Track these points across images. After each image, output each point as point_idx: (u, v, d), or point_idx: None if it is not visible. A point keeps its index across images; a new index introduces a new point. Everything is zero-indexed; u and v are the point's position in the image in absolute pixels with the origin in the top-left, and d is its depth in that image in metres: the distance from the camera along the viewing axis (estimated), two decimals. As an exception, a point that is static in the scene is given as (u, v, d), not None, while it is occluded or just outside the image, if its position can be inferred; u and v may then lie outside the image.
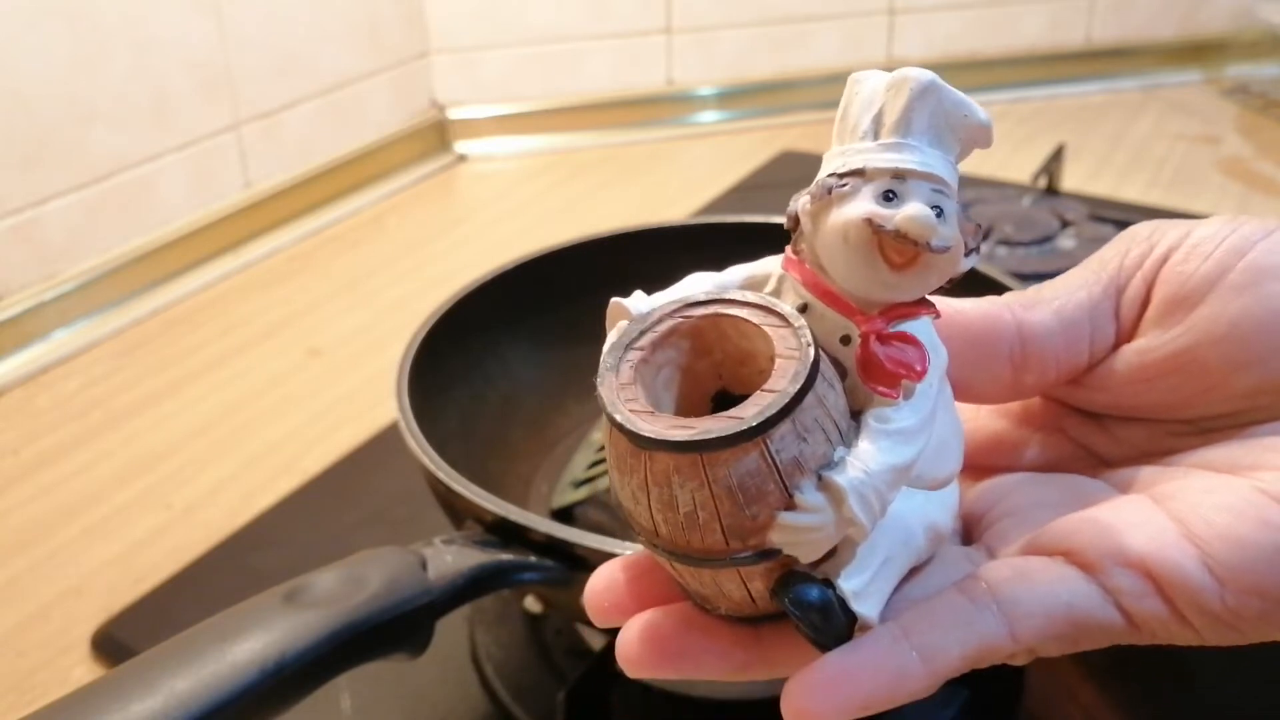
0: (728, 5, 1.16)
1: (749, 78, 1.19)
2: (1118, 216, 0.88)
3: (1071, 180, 0.99)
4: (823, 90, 1.19)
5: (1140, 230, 0.28)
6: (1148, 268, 0.27)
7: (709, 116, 1.19)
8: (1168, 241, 0.27)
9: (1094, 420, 0.29)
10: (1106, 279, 0.27)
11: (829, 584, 0.23)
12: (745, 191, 1.03)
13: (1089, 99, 1.22)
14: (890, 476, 0.23)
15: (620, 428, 0.22)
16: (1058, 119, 1.15)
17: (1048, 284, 0.28)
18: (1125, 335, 0.27)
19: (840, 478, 0.22)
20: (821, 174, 0.24)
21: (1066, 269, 0.28)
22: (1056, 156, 0.96)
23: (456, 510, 0.45)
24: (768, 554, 0.22)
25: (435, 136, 1.12)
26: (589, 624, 0.51)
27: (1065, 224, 0.87)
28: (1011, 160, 0.99)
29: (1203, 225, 0.27)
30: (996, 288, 0.52)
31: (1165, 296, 0.26)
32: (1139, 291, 0.27)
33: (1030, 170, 0.95)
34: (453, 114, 1.13)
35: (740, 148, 1.13)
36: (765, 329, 0.23)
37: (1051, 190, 0.94)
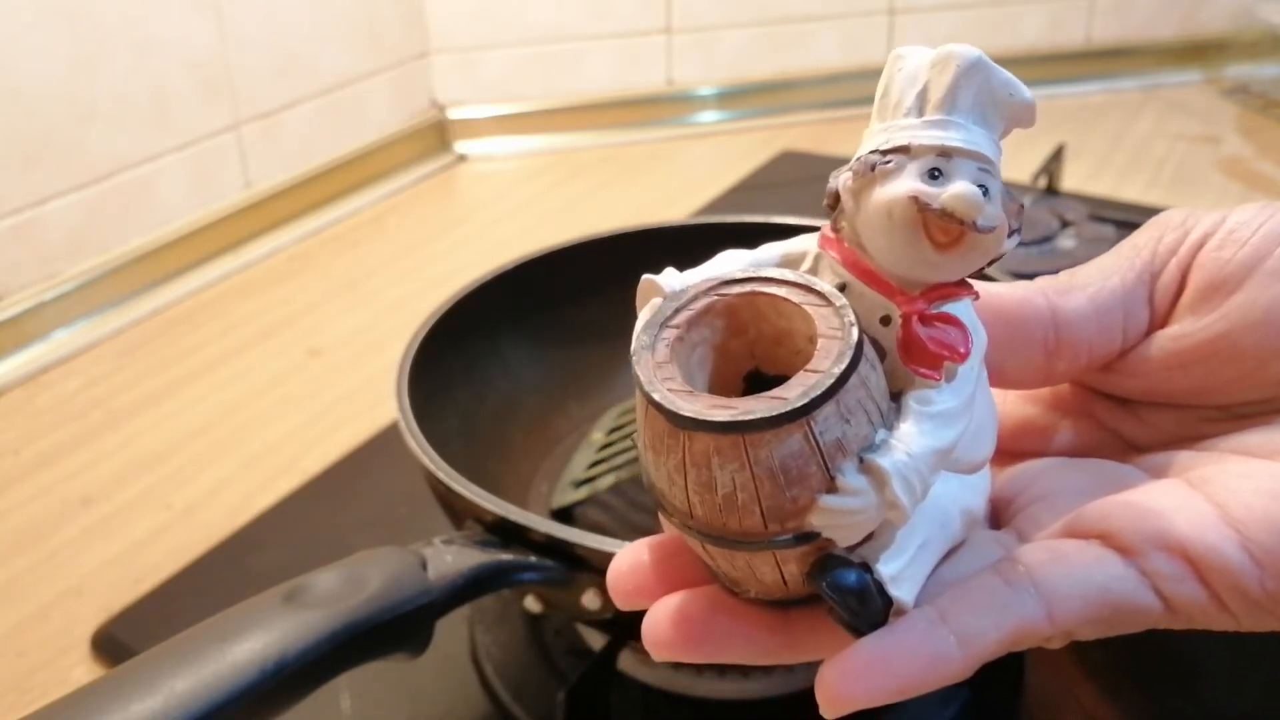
0: (728, 5, 1.16)
1: (749, 78, 1.19)
2: (1118, 216, 0.88)
3: (1071, 180, 0.99)
4: (823, 90, 1.19)
5: (1173, 216, 0.28)
6: (1183, 254, 0.27)
7: (709, 116, 1.19)
8: (1202, 228, 0.27)
9: (1124, 405, 0.29)
10: (1140, 265, 0.27)
11: (866, 568, 0.23)
12: (745, 191, 1.03)
13: (1089, 99, 1.22)
14: (932, 459, 0.22)
15: (659, 407, 0.22)
16: (1058, 119, 1.15)
17: (1081, 269, 0.28)
18: (1159, 321, 0.27)
19: (883, 460, 0.22)
20: (863, 150, 0.24)
21: (1067, 269, 0.28)
22: (1056, 156, 0.96)
23: (456, 510, 0.45)
24: (806, 537, 0.22)
25: (435, 136, 1.12)
26: (589, 624, 0.51)
27: (1065, 224, 0.87)
28: (1011, 160, 0.98)
29: (1238, 211, 0.26)
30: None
31: (1201, 282, 0.26)
32: (1174, 277, 0.27)
33: (1030, 170, 0.95)
34: (453, 114, 1.13)
35: (740, 148, 1.13)
36: (805, 308, 0.23)
37: (1051, 190, 0.94)
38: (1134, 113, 1.18)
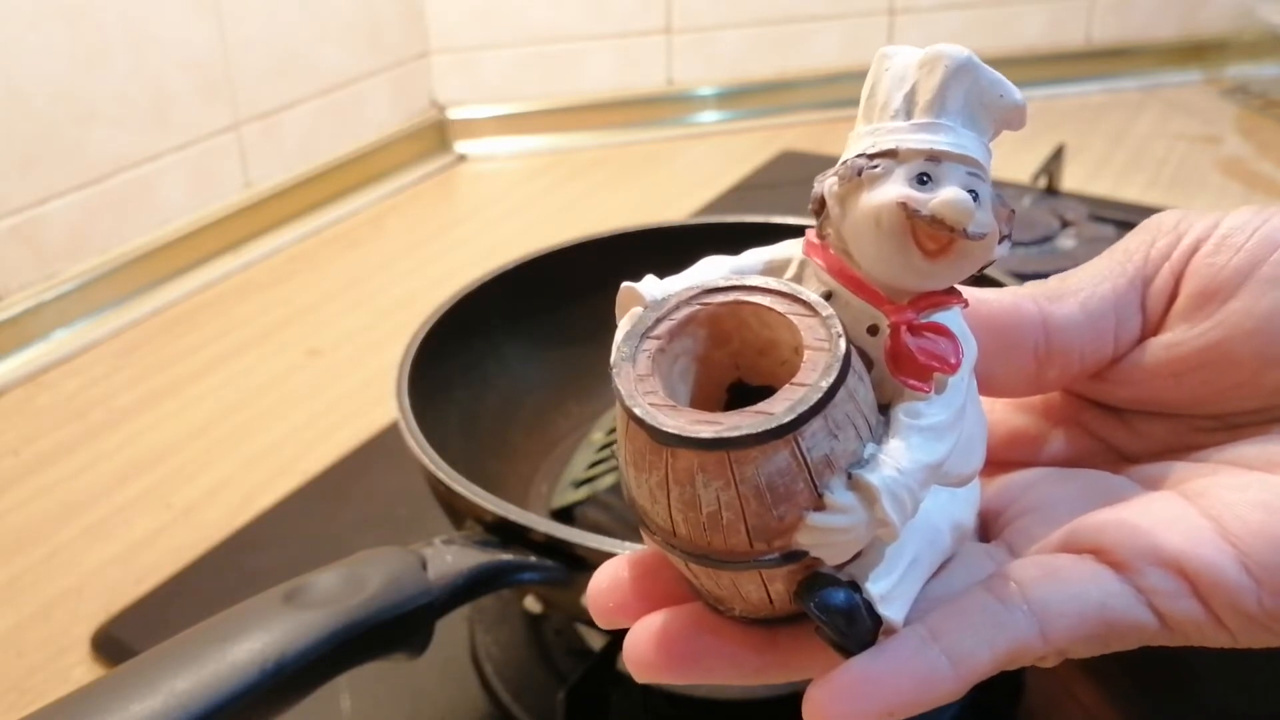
0: (728, 5, 1.16)
1: (749, 78, 1.19)
2: (1118, 216, 0.88)
3: (1071, 180, 0.99)
4: (823, 90, 1.19)
5: (1165, 220, 0.27)
6: (1176, 259, 0.26)
7: (709, 116, 1.19)
8: (1195, 232, 0.26)
9: (1115, 415, 0.28)
10: (1133, 270, 0.26)
11: (855, 586, 0.22)
12: (745, 191, 1.03)
13: (1089, 99, 1.22)
14: (923, 475, 0.21)
15: (640, 423, 0.21)
16: (1058, 119, 1.15)
17: (1071, 274, 0.27)
18: (1152, 328, 0.26)
19: (873, 476, 0.21)
20: (849, 154, 0.23)
21: (1066, 269, 0.28)
22: (1056, 156, 0.96)
23: (456, 510, 0.45)
24: (793, 556, 0.21)
25: (435, 136, 1.12)
26: (589, 624, 0.51)
27: (1065, 224, 0.87)
28: (1011, 160, 0.99)
29: (1232, 215, 0.26)
30: (995, 287, 0.52)
31: (1195, 289, 0.25)
32: (1167, 284, 0.26)
33: (1030, 170, 0.95)
34: (453, 114, 1.13)
35: (740, 148, 1.13)
36: (791, 318, 0.22)
37: (1051, 190, 0.94)
38: (1134, 113, 1.18)
